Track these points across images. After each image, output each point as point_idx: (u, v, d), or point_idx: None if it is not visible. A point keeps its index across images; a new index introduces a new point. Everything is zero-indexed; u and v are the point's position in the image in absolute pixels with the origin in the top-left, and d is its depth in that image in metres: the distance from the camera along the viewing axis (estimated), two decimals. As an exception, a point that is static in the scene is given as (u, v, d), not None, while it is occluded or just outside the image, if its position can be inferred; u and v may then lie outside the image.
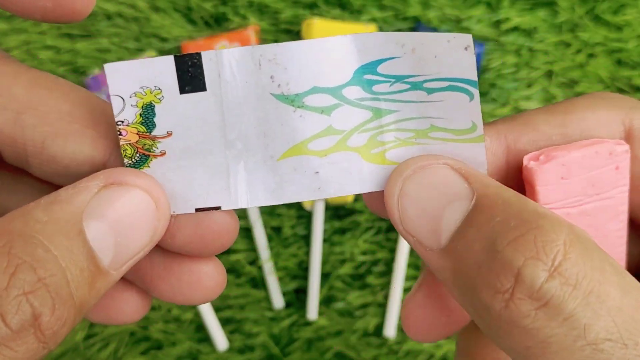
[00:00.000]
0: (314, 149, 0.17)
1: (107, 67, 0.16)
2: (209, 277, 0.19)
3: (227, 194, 0.17)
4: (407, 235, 0.17)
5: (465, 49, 0.16)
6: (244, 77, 0.16)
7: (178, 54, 0.16)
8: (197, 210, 0.17)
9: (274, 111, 0.17)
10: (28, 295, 0.14)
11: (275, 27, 0.48)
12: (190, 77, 0.16)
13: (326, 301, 0.46)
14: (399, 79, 0.17)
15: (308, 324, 0.46)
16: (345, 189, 0.17)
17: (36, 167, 0.17)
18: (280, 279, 0.46)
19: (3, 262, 0.14)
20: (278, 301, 0.46)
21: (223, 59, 0.16)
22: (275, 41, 0.48)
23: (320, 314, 0.46)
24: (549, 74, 0.48)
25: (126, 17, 0.48)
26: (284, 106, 0.17)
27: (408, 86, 0.17)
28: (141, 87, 0.16)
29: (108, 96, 0.17)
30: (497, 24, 0.48)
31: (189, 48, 0.46)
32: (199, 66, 0.16)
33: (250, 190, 0.17)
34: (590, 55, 0.48)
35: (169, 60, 0.16)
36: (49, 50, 0.47)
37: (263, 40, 0.47)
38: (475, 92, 0.17)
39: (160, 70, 0.16)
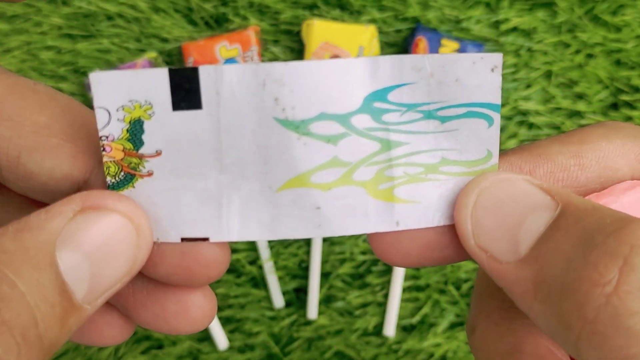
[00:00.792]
0: (317, 182, 0.15)
1: (93, 76, 0.14)
2: (197, 307, 0.17)
3: (217, 224, 0.16)
4: (479, 251, 0.15)
5: (492, 70, 0.15)
6: (246, 98, 0.15)
7: (173, 67, 0.15)
8: (183, 240, 0.16)
9: (276, 137, 0.15)
10: None
11: (276, 28, 0.48)
12: (185, 93, 0.15)
13: (326, 300, 0.46)
14: (410, 107, 0.15)
15: (308, 323, 0.46)
16: (348, 228, 0.16)
17: (12, 182, 0.16)
18: (281, 279, 0.46)
19: None
20: (278, 300, 0.46)
21: (223, 75, 0.14)
22: (276, 42, 0.48)
23: (320, 313, 0.46)
24: (548, 74, 0.48)
25: (127, 17, 0.48)
26: (288, 132, 0.15)
27: (420, 115, 0.16)
28: (130, 101, 0.15)
29: None
30: (496, 24, 0.48)
31: (190, 49, 0.46)
32: (196, 81, 0.15)
33: (243, 222, 0.16)
34: (589, 56, 0.48)
35: (163, 73, 0.14)
36: (49, 51, 0.47)
37: (263, 41, 0.47)
38: (496, 116, 0.16)
39: (152, 83, 0.14)
